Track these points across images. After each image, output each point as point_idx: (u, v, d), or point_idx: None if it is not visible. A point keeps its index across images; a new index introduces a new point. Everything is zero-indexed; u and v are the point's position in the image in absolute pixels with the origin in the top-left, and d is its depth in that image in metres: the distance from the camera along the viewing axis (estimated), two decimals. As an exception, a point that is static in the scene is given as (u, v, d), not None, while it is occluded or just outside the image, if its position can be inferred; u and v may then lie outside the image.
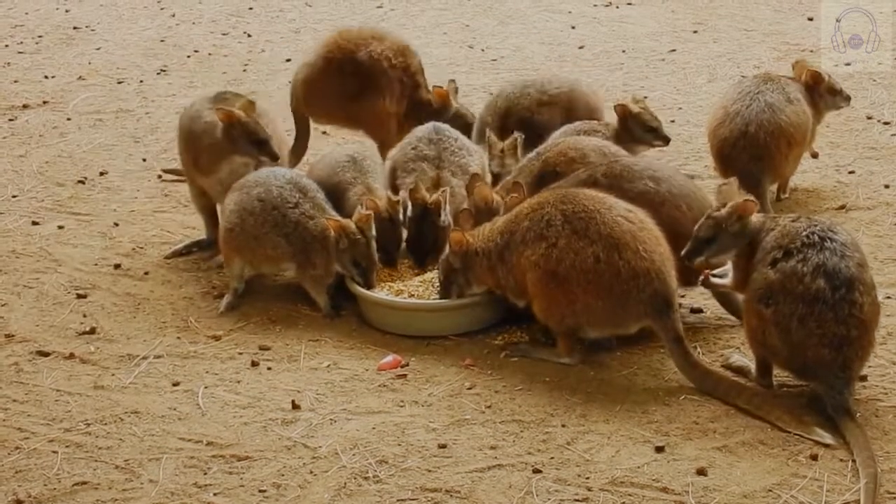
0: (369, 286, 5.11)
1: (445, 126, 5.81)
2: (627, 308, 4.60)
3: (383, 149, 6.06)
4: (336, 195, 5.47)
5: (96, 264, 5.73)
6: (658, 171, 5.03)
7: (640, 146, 6.03)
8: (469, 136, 6.34)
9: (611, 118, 6.13)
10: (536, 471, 4.08)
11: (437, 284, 5.11)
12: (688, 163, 6.66)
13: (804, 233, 4.36)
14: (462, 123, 6.40)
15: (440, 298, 5.06)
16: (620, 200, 4.74)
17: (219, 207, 5.70)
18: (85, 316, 5.25)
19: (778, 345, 4.34)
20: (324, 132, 7.28)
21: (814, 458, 4.10)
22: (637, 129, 5.98)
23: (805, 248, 4.32)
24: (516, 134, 5.91)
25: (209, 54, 8.95)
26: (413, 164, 5.58)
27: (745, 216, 4.49)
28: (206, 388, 4.68)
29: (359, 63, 6.43)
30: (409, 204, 5.35)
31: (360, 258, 5.13)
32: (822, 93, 6.19)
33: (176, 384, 4.71)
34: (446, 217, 5.32)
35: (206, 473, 4.14)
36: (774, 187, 6.14)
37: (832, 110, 6.40)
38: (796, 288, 4.27)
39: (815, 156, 6.51)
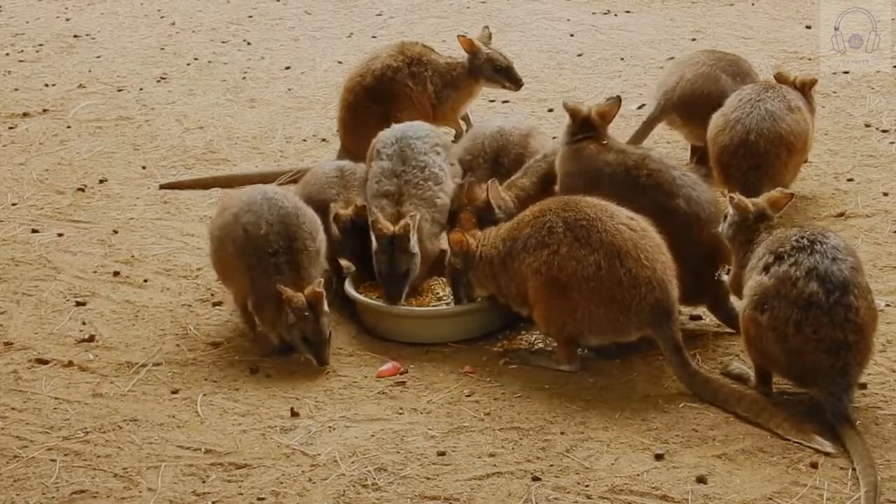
0: (322, 363, 4.78)
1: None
2: (628, 316, 4.59)
3: (456, 136, 6.45)
4: (323, 214, 5.32)
5: (95, 272, 5.72)
6: (695, 189, 4.97)
7: None
8: (506, 79, 6.72)
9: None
10: (535, 478, 4.08)
11: (447, 290, 5.12)
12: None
13: (794, 238, 4.39)
14: (494, 67, 6.73)
15: (454, 302, 5.05)
16: (622, 208, 4.73)
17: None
18: (84, 323, 5.25)
19: (776, 351, 4.33)
20: (323, 139, 7.29)
21: (814, 466, 4.09)
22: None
23: (795, 251, 4.34)
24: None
25: (209, 62, 8.96)
26: (375, 201, 5.30)
27: (739, 213, 4.64)
28: (204, 395, 4.67)
29: (371, 90, 6.56)
30: (374, 238, 5.08)
31: (310, 334, 4.78)
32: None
33: (175, 392, 4.70)
34: (415, 244, 5.05)
35: (204, 481, 4.13)
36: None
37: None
38: (790, 292, 4.27)
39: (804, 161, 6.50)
